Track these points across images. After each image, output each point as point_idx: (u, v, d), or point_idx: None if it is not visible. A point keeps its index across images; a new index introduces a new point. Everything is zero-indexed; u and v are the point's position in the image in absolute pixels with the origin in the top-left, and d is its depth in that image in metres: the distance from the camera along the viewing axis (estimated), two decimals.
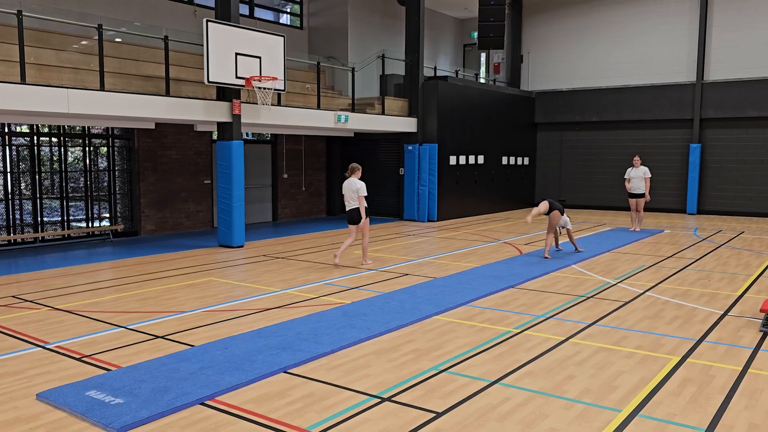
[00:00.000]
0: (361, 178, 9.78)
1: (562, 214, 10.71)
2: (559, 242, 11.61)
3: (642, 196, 13.97)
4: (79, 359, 5.41)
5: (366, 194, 9.71)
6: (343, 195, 9.85)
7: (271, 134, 16.55)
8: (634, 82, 19.16)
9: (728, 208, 18.08)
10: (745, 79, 17.50)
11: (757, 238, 13.38)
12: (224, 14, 11.41)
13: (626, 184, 14.15)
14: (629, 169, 14.16)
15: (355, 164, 9.90)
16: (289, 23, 17.99)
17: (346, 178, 9.79)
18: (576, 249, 11.11)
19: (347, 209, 9.79)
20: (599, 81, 19.75)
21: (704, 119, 18.18)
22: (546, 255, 10.55)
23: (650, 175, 14.15)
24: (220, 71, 11.02)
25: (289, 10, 18.07)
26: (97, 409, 4.24)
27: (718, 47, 17.95)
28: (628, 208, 15.33)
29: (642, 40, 19.03)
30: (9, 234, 11.86)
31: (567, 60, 20.31)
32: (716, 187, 18.23)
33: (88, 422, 4.12)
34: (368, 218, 9.83)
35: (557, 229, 10.93)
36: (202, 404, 4.44)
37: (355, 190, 9.65)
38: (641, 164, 14.25)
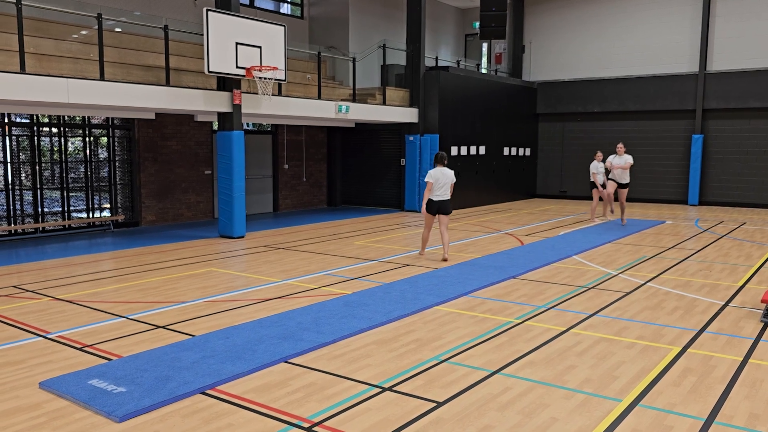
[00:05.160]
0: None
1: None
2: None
3: (626, 185, 13.39)
4: (80, 349, 5.41)
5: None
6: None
7: (271, 125, 16.51)
8: (637, 73, 19.07)
9: (730, 199, 18.05)
10: (748, 70, 17.42)
11: (759, 229, 13.36)
12: (224, 3, 11.35)
13: (608, 166, 13.40)
14: (611, 157, 13.44)
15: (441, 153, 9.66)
16: (289, 13, 17.89)
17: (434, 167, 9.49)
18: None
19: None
20: (601, 71, 19.67)
21: (707, 110, 18.11)
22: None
23: (632, 162, 13.42)
24: (221, 61, 10.98)
25: (289, 0, 17.97)
26: (100, 398, 4.25)
27: (721, 37, 17.86)
28: (633, 199, 15.05)
29: (644, 30, 18.93)
30: (9, 224, 11.86)
31: (569, 50, 20.22)
32: (718, 178, 18.19)
33: (91, 410, 4.13)
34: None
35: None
36: (204, 393, 4.45)
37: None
38: (625, 152, 13.45)
